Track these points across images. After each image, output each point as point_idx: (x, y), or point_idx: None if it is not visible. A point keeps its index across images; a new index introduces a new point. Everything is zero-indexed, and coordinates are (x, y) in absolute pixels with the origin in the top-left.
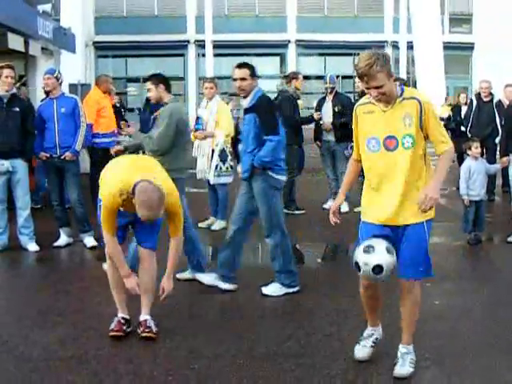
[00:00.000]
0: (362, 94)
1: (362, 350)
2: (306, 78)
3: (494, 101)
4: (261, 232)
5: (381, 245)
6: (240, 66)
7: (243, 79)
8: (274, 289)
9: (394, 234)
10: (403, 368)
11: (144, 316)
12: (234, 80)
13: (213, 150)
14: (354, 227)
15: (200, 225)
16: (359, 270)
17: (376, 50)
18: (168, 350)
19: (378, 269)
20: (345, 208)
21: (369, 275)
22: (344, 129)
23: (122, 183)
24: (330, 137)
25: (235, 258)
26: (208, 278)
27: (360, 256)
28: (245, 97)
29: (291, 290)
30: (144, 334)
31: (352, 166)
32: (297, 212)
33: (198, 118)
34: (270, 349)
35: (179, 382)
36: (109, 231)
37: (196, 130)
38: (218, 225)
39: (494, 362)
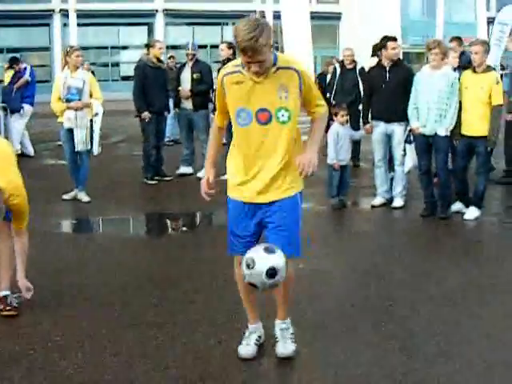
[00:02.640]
0: (225, 63)
1: (245, 348)
2: (175, 47)
3: (358, 68)
4: None
5: (258, 252)
6: None
7: None
8: None
9: (262, 212)
10: (287, 346)
11: (4, 292)
12: None
13: (90, 120)
14: (220, 196)
15: (64, 197)
16: (256, 287)
17: (255, 17)
18: (30, 324)
19: (271, 271)
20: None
21: (265, 284)
22: (202, 96)
23: None
24: (188, 104)
25: None
26: None
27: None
28: None
29: None
30: (5, 313)
31: (216, 134)
32: (166, 178)
33: (68, 87)
34: (134, 318)
35: (41, 355)
36: None
37: (69, 100)
38: (84, 196)
39: (355, 323)
